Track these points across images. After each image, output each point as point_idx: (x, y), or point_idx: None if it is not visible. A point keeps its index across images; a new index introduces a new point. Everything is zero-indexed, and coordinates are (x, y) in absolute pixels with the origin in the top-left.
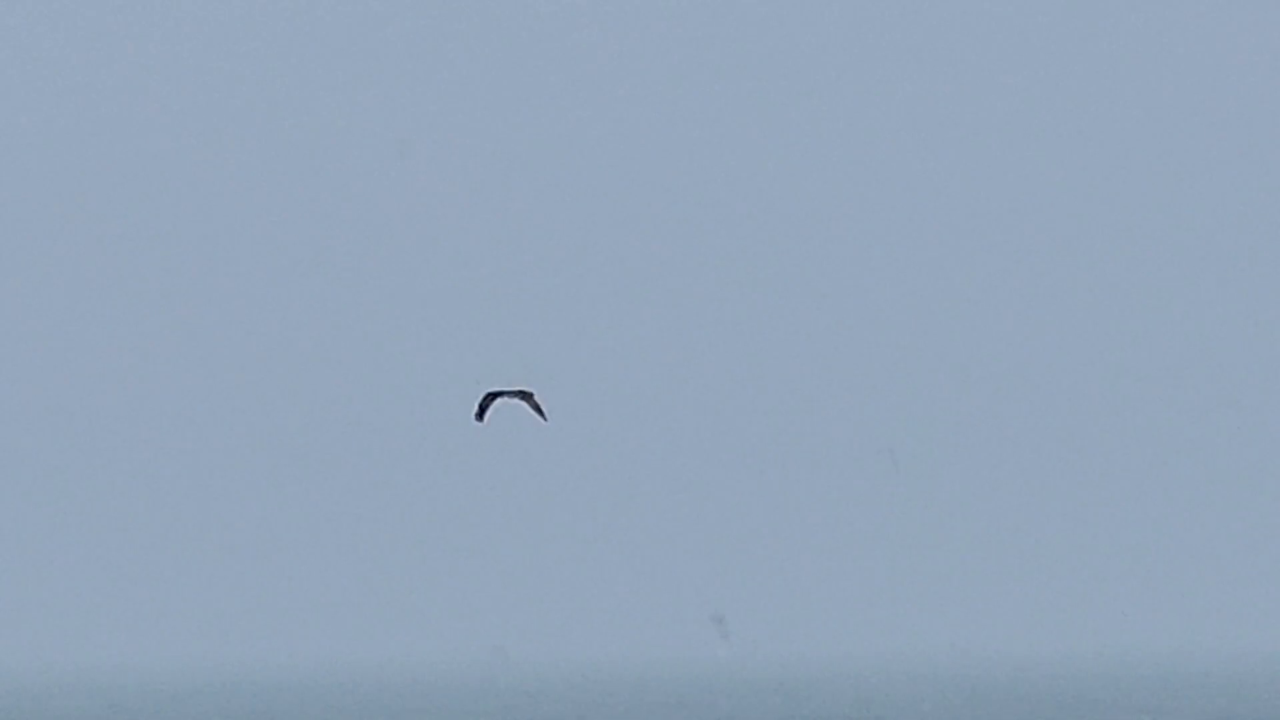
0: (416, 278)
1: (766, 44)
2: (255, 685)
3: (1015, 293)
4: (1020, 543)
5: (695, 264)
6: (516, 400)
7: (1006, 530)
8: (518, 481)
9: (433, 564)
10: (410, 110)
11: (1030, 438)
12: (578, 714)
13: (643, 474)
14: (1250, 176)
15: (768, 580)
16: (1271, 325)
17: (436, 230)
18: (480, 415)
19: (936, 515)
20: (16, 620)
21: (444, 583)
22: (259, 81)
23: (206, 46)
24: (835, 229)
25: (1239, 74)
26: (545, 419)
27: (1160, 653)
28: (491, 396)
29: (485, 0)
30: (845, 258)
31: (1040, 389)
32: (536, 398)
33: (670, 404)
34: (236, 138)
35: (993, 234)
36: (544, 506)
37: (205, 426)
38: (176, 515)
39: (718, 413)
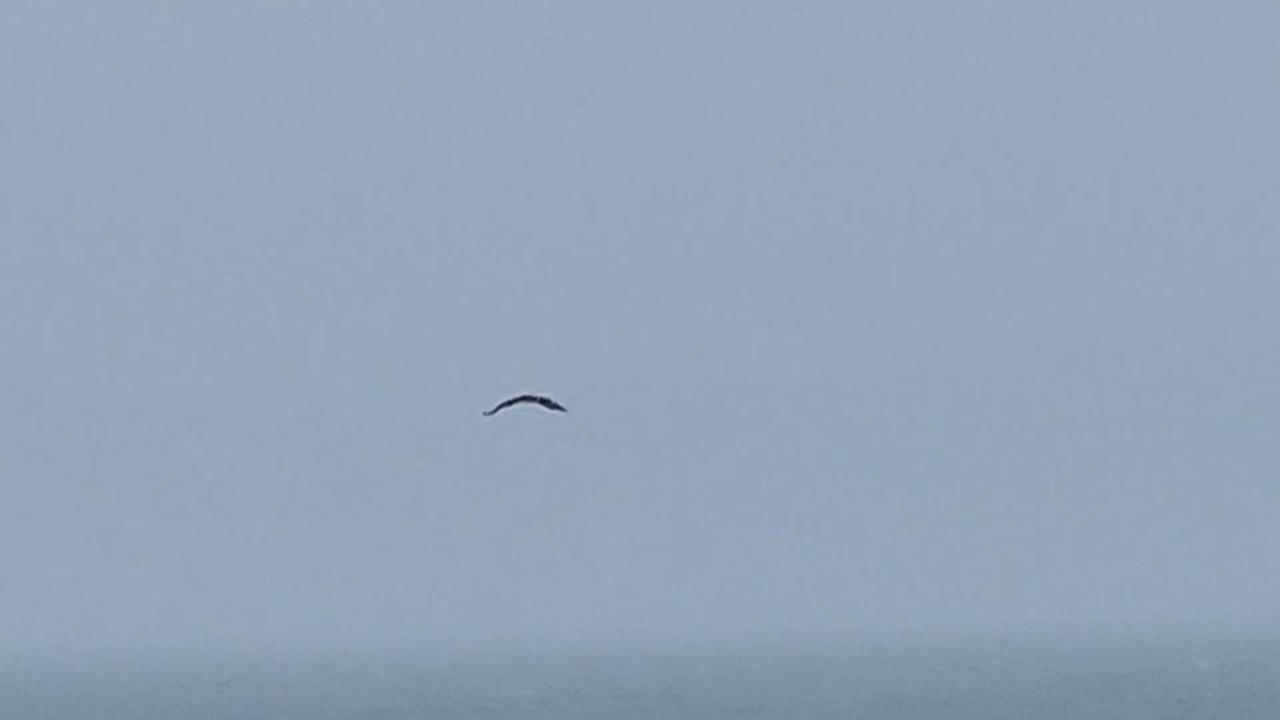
0: (415, 265)
1: (767, 41)
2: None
3: (1005, 290)
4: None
5: (695, 259)
6: (536, 405)
7: (991, 509)
8: (525, 466)
9: (431, 546)
10: (411, 108)
11: (1010, 423)
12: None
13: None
14: (1217, 164)
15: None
16: (1231, 310)
17: (435, 216)
18: (493, 411)
19: (928, 493)
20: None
21: (444, 562)
22: (262, 83)
23: (207, 46)
24: (835, 219)
25: (1235, 72)
26: (564, 409)
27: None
28: (510, 401)
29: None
30: (840, 246)
31: (1031, 379)
32: (554, 399)
33: (674, 394)
34: (237, 133)
35: (988, 231)
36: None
37: (220, 418)
38: (173, 498)
39: (718, 405)
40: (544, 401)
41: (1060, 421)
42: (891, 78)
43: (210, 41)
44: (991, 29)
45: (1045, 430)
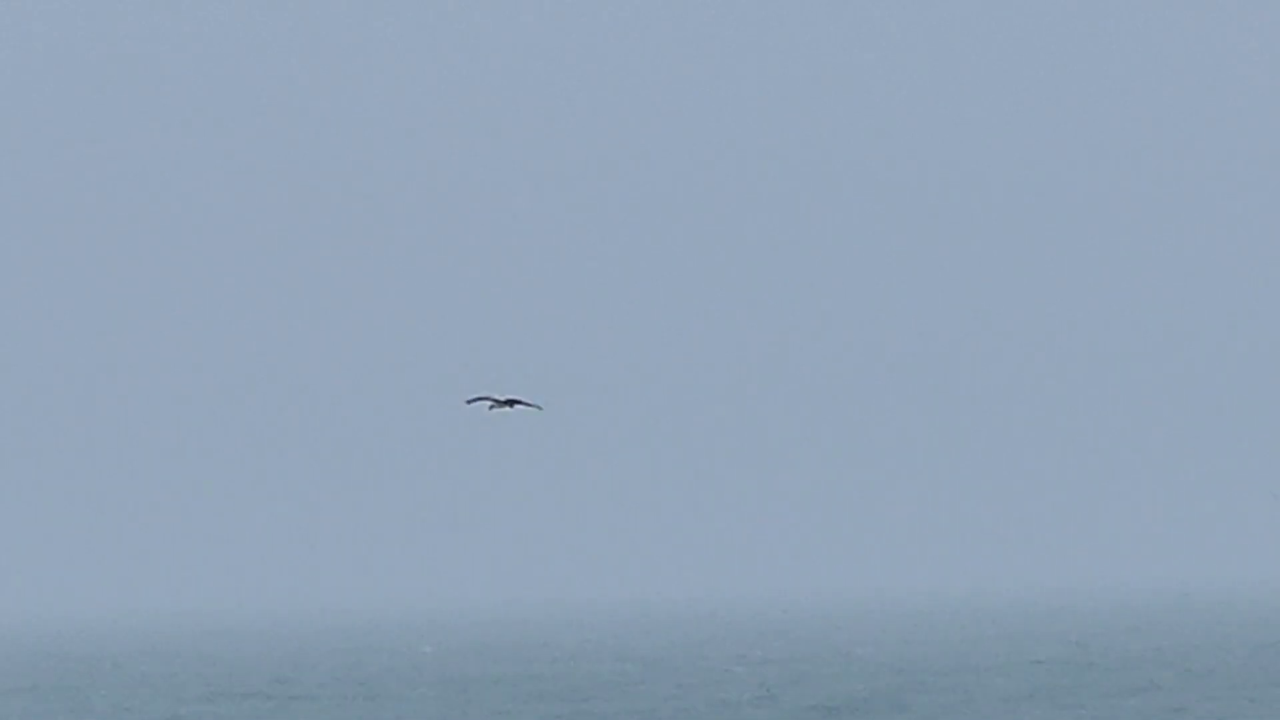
0: (414, 251)
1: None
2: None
3: (994, 272)
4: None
5: (698, 248)
6: (506, 408)
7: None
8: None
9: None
10: (410, 108)
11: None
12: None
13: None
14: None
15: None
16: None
17: (458, 194)
18: (471, 400)
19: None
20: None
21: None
22: (263, 83)
23: (207, 46)
24: (825, 205)
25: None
26: (540, 408)
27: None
28: (485, 399)
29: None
30: (833, 231)
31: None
32: (525, 399)
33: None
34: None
35: (979, 220)
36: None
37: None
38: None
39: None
40: (515, 403)
41: (1056, 399)
42: (904, 67)
43: (210, 41)
44: (991, 21)
45: (1043, 408)
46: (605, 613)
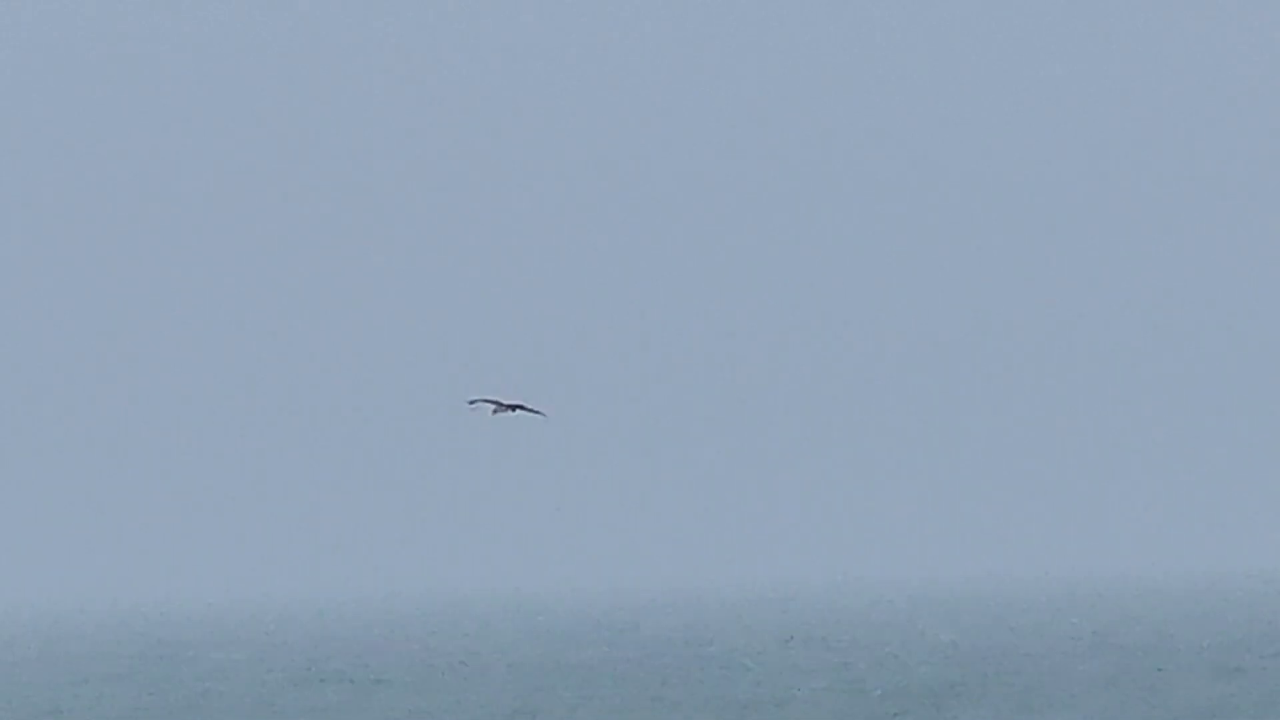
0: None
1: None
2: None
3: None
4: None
5: (707, 230)
6: (509, 413)
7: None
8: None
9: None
10: (410, 107)
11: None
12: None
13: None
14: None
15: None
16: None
17: (477, 186)
18: (473, 402)
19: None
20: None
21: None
22: (262, 83)
23: (207, 46)
24: (832, 201)
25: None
26: (544, 414)
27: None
28: (490, 402)
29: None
30: (840, 226)
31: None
32: (529, 405)
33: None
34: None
35: (985, 218)
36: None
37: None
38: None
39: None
40: (518, 409)
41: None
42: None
43: (210, 41)
44: (991, 21)
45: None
46: (665, 600)
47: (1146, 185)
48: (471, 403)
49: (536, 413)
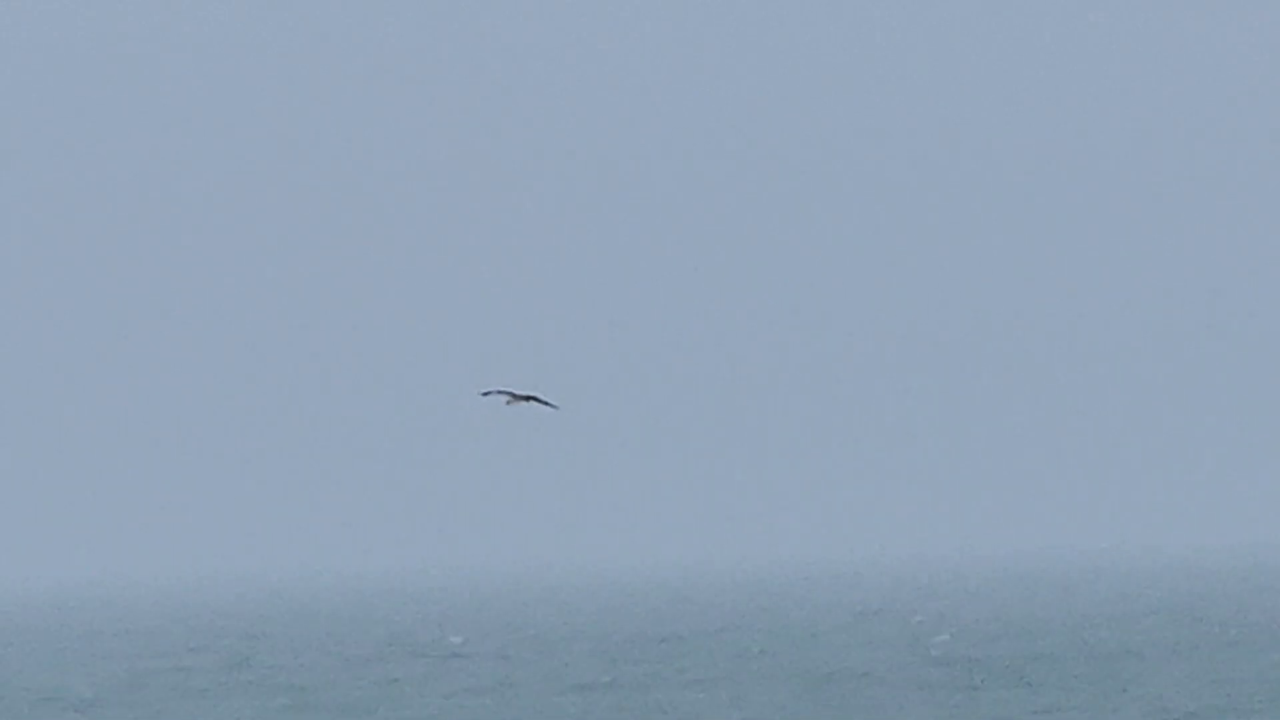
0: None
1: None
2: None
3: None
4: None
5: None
6: (524, 402)
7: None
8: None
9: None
10: (410, 107)
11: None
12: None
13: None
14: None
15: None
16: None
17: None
18: (487, 394)
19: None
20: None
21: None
22: (263, 81)
23: (207, 46)
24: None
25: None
26: (556, 406)
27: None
28: (503, 393)
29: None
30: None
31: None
32: (541, 397)
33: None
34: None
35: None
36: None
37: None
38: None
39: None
40: (532, 399)
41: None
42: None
43: (210, 41)
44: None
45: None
46: (736, 575)
47: (1145, 181)
48: (485, 394)
49: (549, 405)
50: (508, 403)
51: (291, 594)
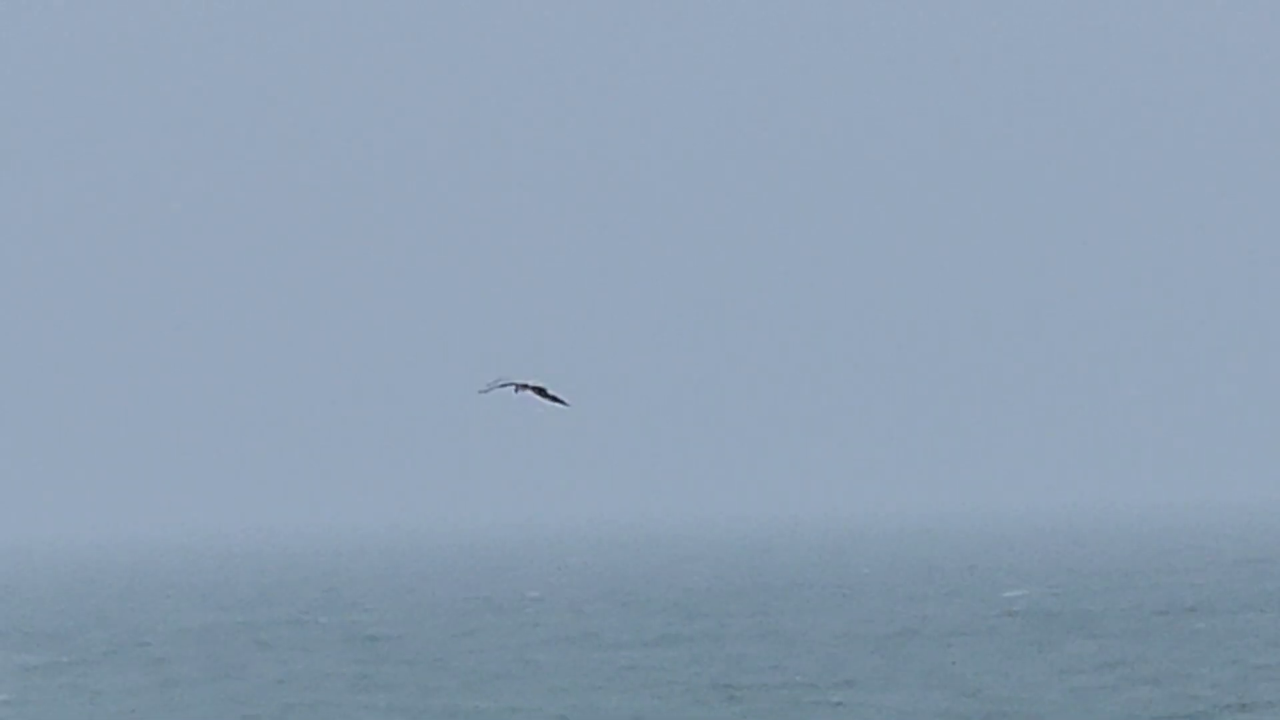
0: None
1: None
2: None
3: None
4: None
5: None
6: (531, 393)
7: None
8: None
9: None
10: (409, 107)
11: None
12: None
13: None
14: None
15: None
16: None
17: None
18: (487, 389)
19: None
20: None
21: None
22: (263, 81)
23: (207, 46)
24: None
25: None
26: (567, 403)
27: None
28: (509, 384)
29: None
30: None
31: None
32: (550, 390)
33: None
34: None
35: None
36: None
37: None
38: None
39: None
40: (537, 390)
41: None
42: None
43: (210, 41)
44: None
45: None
46: (844, 528)
47: (1145, 181)
48: (483, 391)
49: (559, 401)
50: (515, 391)
51: (371, 548)
